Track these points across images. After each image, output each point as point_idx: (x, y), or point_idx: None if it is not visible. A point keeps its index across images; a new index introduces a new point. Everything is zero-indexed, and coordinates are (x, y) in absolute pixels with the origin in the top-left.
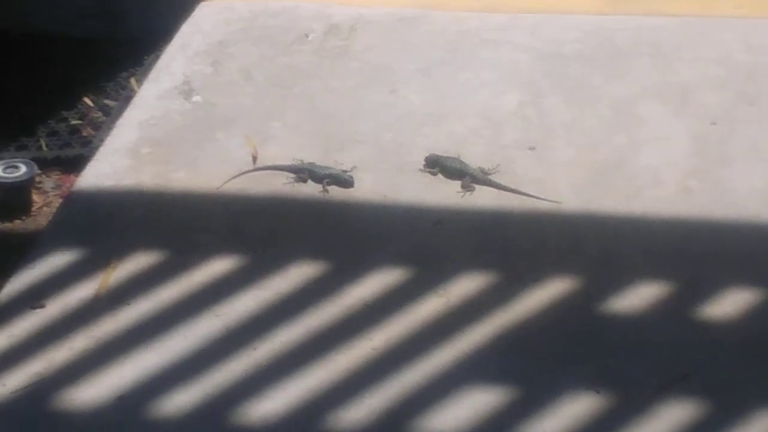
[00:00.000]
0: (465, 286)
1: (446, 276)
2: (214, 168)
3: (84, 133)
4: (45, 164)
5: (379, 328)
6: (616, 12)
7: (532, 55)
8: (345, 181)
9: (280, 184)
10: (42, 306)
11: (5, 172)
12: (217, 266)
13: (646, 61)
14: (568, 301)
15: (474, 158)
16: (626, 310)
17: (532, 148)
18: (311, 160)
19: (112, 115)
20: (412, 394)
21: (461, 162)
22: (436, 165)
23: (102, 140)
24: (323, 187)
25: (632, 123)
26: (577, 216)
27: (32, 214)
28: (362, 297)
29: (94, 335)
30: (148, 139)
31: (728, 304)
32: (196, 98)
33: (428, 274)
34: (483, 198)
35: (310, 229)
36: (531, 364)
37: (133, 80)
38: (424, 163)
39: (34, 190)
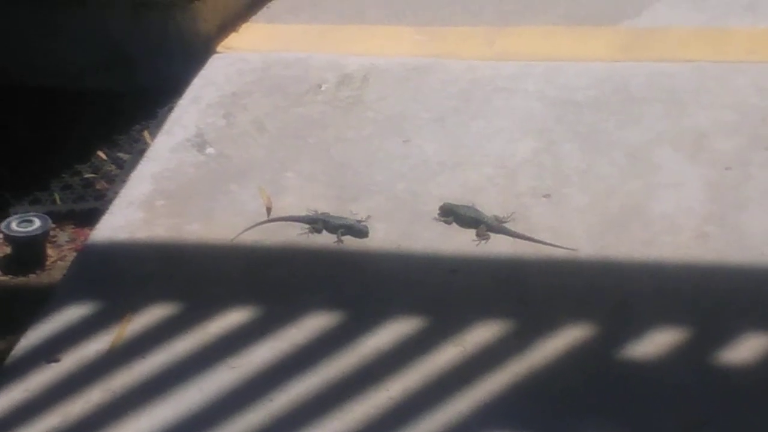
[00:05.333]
0: (481, 334)
1: (462, 325)
2: (228, 220)
3: (98, 187)
4: (59, 218)
5: (395, 378)
6: (629, 58)
7: (546, 102)
8: (359, 231)
9: (295, 235)
10: (57, 360)
11: (19, 226)
12: (232, 318)
13: (660, 107)
14: (585, 349)
15: (489, 206)
16: (643, 357)
17: (546, 196)
18: (325, 211)
19: (125, 168)
20: None
21: (476, 210)
22: (451, 214)
23: (116, 193)
24: (338, 237)
25: (647, 169)
26: (593, 263)
27: (47, 268)
28: (378, 347)
29: (110, 388)
30: (162, 192)
31: (746, 350)
32: (209, 150)
33: (444, 323)
34: (498, 246)
35: (325, 280)
36: (549, 413)
37: (146, 133)
38: (438, 212)
39: (48, 244)
